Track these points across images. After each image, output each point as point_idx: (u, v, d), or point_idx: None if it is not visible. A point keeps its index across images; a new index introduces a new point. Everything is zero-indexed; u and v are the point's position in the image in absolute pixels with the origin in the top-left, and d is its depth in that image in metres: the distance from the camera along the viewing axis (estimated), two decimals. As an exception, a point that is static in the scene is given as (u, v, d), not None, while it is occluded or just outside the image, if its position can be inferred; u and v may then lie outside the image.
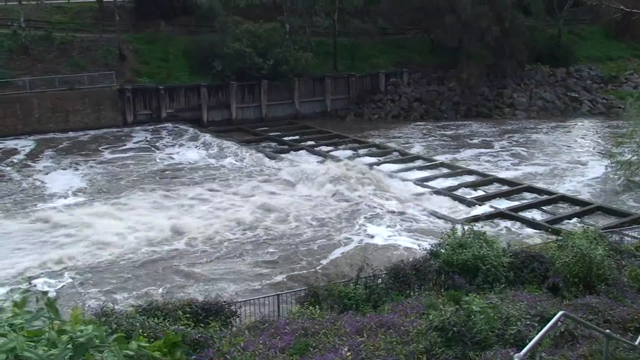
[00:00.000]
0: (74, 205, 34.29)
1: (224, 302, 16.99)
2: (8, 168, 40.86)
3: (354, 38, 60.56)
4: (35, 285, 24.50)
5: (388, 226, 31.35)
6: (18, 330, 5.30)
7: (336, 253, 28.11)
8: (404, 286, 17.30)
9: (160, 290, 24.39)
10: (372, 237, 29.96)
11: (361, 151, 46.11)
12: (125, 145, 46.97)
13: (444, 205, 34.65)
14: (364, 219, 32.32)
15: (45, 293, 5.35)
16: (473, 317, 11.80)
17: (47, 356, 4.78)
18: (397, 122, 56.40)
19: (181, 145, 47.01)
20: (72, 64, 51.84)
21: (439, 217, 32.59)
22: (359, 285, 17.15)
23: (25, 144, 46.13)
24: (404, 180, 38.51)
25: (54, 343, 5.22)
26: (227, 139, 48.31)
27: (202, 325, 14.23)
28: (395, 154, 45.54)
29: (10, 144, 45.98)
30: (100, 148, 45.87)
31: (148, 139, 48.55)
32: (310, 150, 46.27)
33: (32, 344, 5.14)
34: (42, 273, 25.83)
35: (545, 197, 36.15)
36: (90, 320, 9.49)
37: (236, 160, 43.25)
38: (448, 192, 36.77)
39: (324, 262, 27.19)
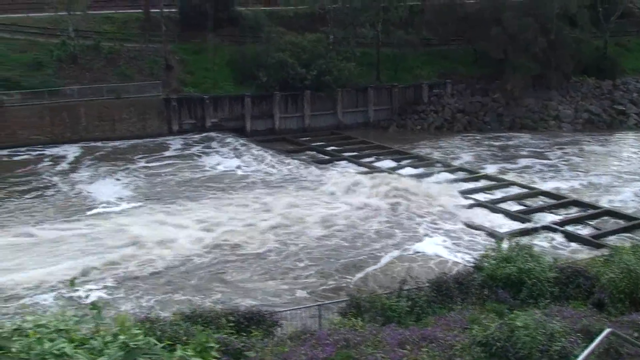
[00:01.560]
0: (121, 212, 34.82)
1: (266, 311, 17.07)
2: (55, 177, 41.54)
3: (398, 49, 60.45)
4: (79, 290, 24.92)
5: (431, 238, 31.14)
6: (65, 334, 5.41)
7: (379, 264, 28.00)
8: (446, 299, 17.15)
9: (205, 297, 24.57)
10: (415, 249, 29.78)
11: (404, 162, 45.90)
12: (170, 153, 47.58)
13: (487, 218, 34.31)
14: (407, 231, 32.15)
15: (91, 298, 5.42)
16: (517, 332, 11.65)
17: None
18: (440, 133, 56.05)
19: (224, 154, 47.42)
20: (119, 73, 52.76)
21: (482, 230, 32.26)
22: (401, 297, 17.05)
23: (72, 151, 47.00)
24: (447, 192, 38.19)
25: (101, 349, 5.31)
26: (269, 148, 48.60)
27: (245, 334, 14.29)
28: (439, 165, 45.22)
29: (58, 151, 46.92)
30: (146, 156, 46.50)
31: (193, 148, 49.07)
32: (353, 160, 46.25)
33: (80, 350, 5.24)
34: (88, 279, 26.25)
35: (591, 211, 35.54)
36: (135, 326, 9.61)
37: (279, 170, 43.41)
38: (492, 204, 36.39)
39: (367, 273, 27.09)
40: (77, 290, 24.79)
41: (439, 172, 43.21)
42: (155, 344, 5.13)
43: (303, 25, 59.80)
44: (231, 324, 14.60)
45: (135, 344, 5.00)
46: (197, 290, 25.60)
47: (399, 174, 41.44)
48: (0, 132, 47.58)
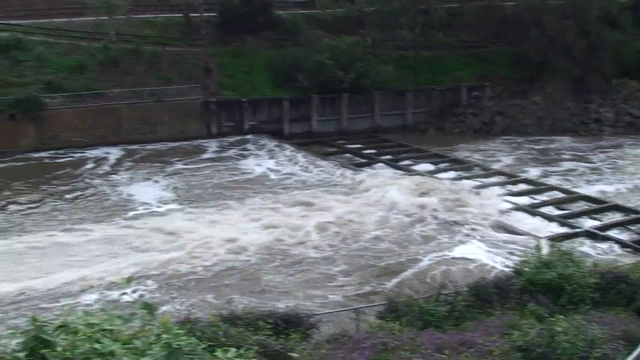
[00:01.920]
0: (163, 213, 35.26)
1: (303, 314, 17.12)
2: (97, 180, 42.18)
3: (436, 51, 60.15)
4: (122, 290, 25.28)
5: (469, 243, 30.92)
6: (110, 334, 5.51)
7: (416, 268, 27.90)
8: (485, 304, 17.03)
9: (243, 298, 24.75)
10: (454, 253, 29.60)
11: (442, 165, 45.68)
12: (209, 156, 48.04)
13: (527, 222, 33.96)
14: (445, 235, 31.99)
15: (141, 297, 5.53)
16: (557, 338, 11.54)
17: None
18: (479, 136, 55.58)
19: (262, 156, 47.70)
20: (160, 76, 53.39)
21: (521, 235, 31.93)
22: (440, 301, 16.98)
23: (114, 154, 47.72)
24: (485, 195, 37.89)
25: (144, 349, 5.41)
26: (307, 151, 48.74)
27: (283, 336, 14.37)
28: (477, 169, 44.87)
29: (100, 153, 47.71)
30: (185, 159, 46.98)
31: (231, 150, 49.47)
32: (390, 163, 46.14)
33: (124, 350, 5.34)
34: (132, 279, 26.61)
35: (633, 216, 34.95)
36: (177, 327, 9.74)
37: (315, 173, 43.50)
38: (532, 208, 36.01)
39: (404, 277, 27.01)
40: (120, 290, 25.19)
41: (477, 175, 42.89)
42: (198, 345, 5.21)
43: (341, 29, 59.82)
44: (269, 327, 14.69)
45: (178, 345, 5.09)
46: (236, 291, 25.79)
47: (436, 178, 41.24)
48: (43, 135, 48.57)
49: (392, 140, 53.46)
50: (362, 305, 19.65)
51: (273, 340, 13.15)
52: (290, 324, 16.21)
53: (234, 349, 5.37)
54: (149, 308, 5.51)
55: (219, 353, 5.29)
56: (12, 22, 55.03)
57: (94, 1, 53.66)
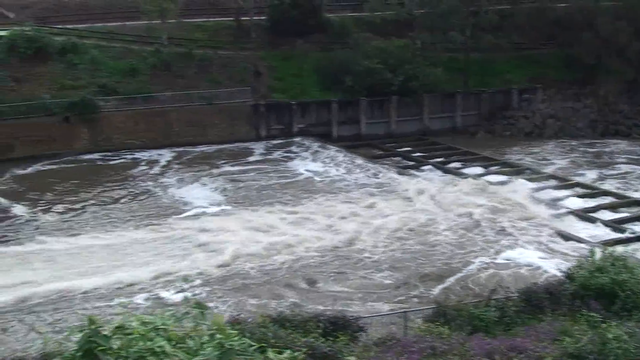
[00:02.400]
0: (213, 215, 35.65)
1: (351, 316, 17.15)
2: (149, 182, 42.86)
3: (487, 53, 59.54)
4: (174, 290, 25.69)
5: (520, 247, 30.53)
6: (164, 333, 5.61)
7: (466, 272, 27.66)
8: (536, 310, 16.81)
9: (293, 299, 24.88)
10: (504, 257, 29.26)
11: (492, 169, 45.16)
12: (258, 158, 48.42)
13: (580, 227, 33.38)
14: (495, 239, 31.63)
15: (194, 296, 5.62)
16: (609, 344, 11.33)
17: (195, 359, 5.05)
18: (530, 139, 54.78)
19: (311, 159, 47.86)
20: (210, 80, 54.04)
21: (574, 239, 31.39)
22: (489, 306, 16.82)
23: (165, 156, 48.49)
24: (537, 199, 37.34)
25: (197, 348, 5.50)
26: (355, 154, 48.72)
27: (331, 338, 14.41)
28: (529, 172, 44.17)
29: (151, 155, 48.55)
30: (235, 161, 47.44)
31: (280, 153, 49.77)
32: (439, 166, 45.84)
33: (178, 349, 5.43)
34: (185, 279, 27.02)
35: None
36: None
37: (365, 175, 43.44)
38: (585, 213, 35.37)
39: (453, 280, 26.81)
40: (174, 289, 25.64)
41: (529, 179, 42.22)
42: (251, 345, 5.27)
43: (390, 31, 59.67)
44: (319, 330, 14.75)
45: (231, 345, 5.16)
46: (285, 292, 25.94)
47: (487, 181, 40.79)
48: (96, 137, 49.64)
49: (442, 143, 53.10)
50: (410, 309, 19.57)
51: (321, 342, 13.20)
52: (338, 327, 16.26)
53: (288, 351, 5.41)
54: (201, 307, 5.59)
55: (270, 354, 5.34)
56: (68, 26, 56.38)
57: (147, 5, 54.61)
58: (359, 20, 61.91)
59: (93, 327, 5.50)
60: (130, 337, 5.54)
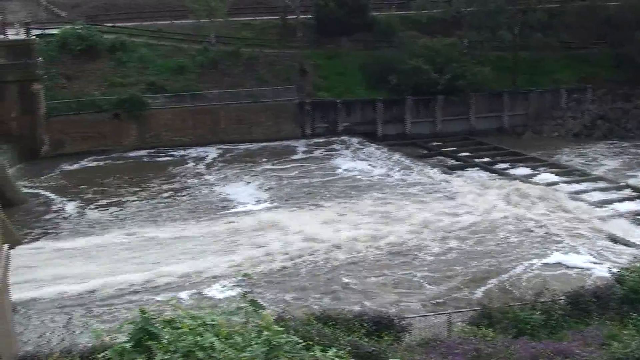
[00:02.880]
0: (260, 212, 35.90)
1: (395, 316, 17.15)
2: (196, 179, 43.34)
3: (535, 52, 58.73)
4: (220, 286, 25.98)
5: (568, 250, 30.07)
6: (212, 328, 5.71)
7: (511, 275, 27.35)
8: (583, 314, 16.58)
9: (335, 297, 24.94)
10: (552, 260, 28.85)
11: (539, 170, 44.52)
12: (303, 156, 48.62)
13: (630, 230, 32.71)
14: (542, 241, 31.21)
15: (246, 293, 5.71)
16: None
17: (242, 356, 5.12)
18: (579, 140, 53.86)
19: (356, 158, 47.84)
20: (257, 78, 54.46)
21: (624, 243, 30.79)
22: (535, 309, 16.64)
23: (212, 153, 49.06)
24: (585, 201, 36.71)
25: (244, 344, 5.58)
26: (400, 153, 48.53)
27: (375, 338, 14.44)
28: (577, 174, 43.45)
29: (199, 152, 49.18)
30: (280, 159, 47.71)
31: (325, 151, 49.88)
32: (485, 167, 45.39)
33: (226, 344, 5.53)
34: (232, 275, 27.31)
35: None
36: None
37: (408, 175, 43.23)
38: (635, 216, 34.65)
39: (499, 283, 26.55)
40: (225, 284, 25.94)
41: (577, 180, 41.56)
42: (298, 343, 5.33)
43: (436, 30, 59.25)
44: (363, 329, 14.78)
45: (278, 342, 5.23)
46: (329, 290, 26.03)
47: (534, 182, 40.24)
48: (145, 134, 50.49)
49: (488, 143, 52.55)
50: (455, 310, 19.46)
51: (365, 341, 13.24)
52: (382, 326, 16.28)
53: (334, 349, 5.46)
54: (255, 305, 5.67)
55: (317, 352, 5.39)
56: (118, 24, 57.38)
57: (195, 4, 55.24)
58: (405, 18, 61.60)
59: (144, 318, 5.62)
60: (179, 331, 5.65)
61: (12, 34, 50.11)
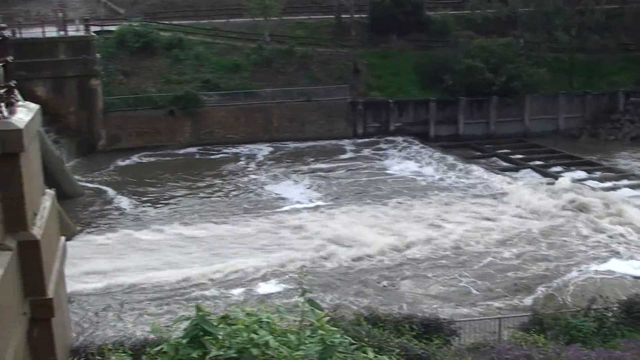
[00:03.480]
0: (309, 211, 36.04)
1: (444, 319, 17.09)
2: (248, 176, 43.66)
3: (593, 54, 57.60)
4: (275, 283, 26.22)
5: (622, 256, 29.46)
6: (267, 326, 5.81)
7: (564, 280, 26.92)
8: (637, 322, 16.27)
9: (381, 299, 24.94)
10: (605, 266, 28.29)
11: (595, 174, 43.66)
12: (354, 155, 48.67)
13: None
14: (595, 247, 30.65)
15: (304, 292, 5.79)
16: None
17: (296, 354, 5.21)
18: (637, 144, 52.56)
19: (408, 158, 47.64)
20: (310, 76, 54.72)
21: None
22: (588, 317, 16.39)
23: (263, 151, 49.52)
24: (641, 207, 35.90)
25: (298, 343, 5.67)
26: (453, 154, 48.15)
27: (424, 340, 14.42)
28: (634, 178, 42.48)
29: (252, 149, 49.73)
30: (331, 157, 47.86)
31: (376, 150, 49.83)
32: (539, 170, 44.70)
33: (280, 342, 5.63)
34: (286, 271, 27.54)
35: None
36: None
37: (462, 177, 42.85)
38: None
39: (551, 289, 26.15)
40: (279, 282, 26.16)
41: (634, 186, 40.62)
42: (352, 344, 5.40)
43: (491, 30, 58.58)
44: (412, 332, 14.77)
45: (332, 342, 5.30)
46: (379, 291, 26.04)
47: (589, 186, 39.48)
48: (199, 131, 51.25)
49: (542, 145, 51.75)
50: (506, 315, 19.28)
51: (414, 344, 13.24)
52: (431, 329, 16.24)
53: (387, 354, 5.52)
54: (313, 304, 5.76)
55: (370, 354, 5.45)
56: (175, 22, 58.29)
57: (251, 3, 55.76)
58: (460, 18, 61.12)
59: (200, 314, 5.76)
60: (234, 327, 5.77)
61: (72, 31, 51.31)
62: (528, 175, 43.53)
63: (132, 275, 27.45)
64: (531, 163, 46.65)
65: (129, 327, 22.78)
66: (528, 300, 24.49)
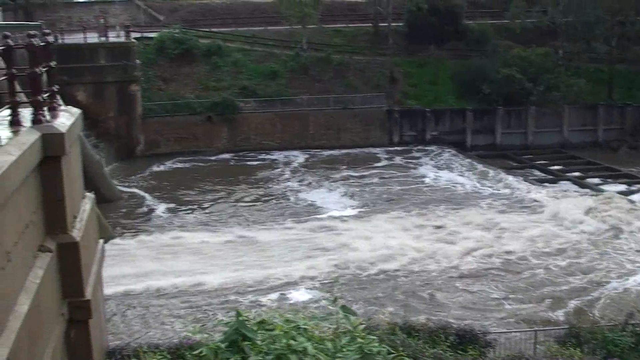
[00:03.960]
0: (347, 218, 35.97)
1: (479, 331, 16.93)
2: (283, 183, 43.77)
3: (634, 65, 56.74)
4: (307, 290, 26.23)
5: (662, 271, 28.91)
6: (304, 333, 5.84)
7: (602, 294, 26.47)
8: (677, 339, 15.96)
9: (421, 307, 24.79)
10: (644, 281, 27.83)
11: (634, 187, 42.91)
12: (390, 163, 48.54)
13: None
14: (635, 260, 30.10)
15: (338, 299, 5.81)
16: None
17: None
18: (679, 157, 51.59)
19: (444, 168, 47.36)
20: (346, 84, 54.81)
21: None
22: (626, 331, 16.11)
23: (299, 158, 49.71)
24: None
25: (335, 350, 5.69)
26: (490, 164, 47.75)
27: (459, 352, 14.31)
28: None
29: (288, 156, 50.03)
30: (367, 165, 47.79)
31: (413, 159, 49.63)
32: (577, 182, 44.08)
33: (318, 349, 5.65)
34: (310, 280, 27.57)
35: None
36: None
37: (499, 188, 42.40)
38: None
39: (588, 302, 25.74)
40: (318, 289, 26.15)
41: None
42: (389, 353, 5.39)
43: (530, 39, 58.18)
44: (447, 342, 14.67)
45: (370, 350, 5.31)
46: (414, 300, 25.88)
47: (629, 200, 38.85)
48: (236, 137, 51.65)
49: (581, 157, 51.08)
50: (542, 328, 19.03)
51: (449, 355, 13.14)
52: (465, 340, 16.10)
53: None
54: (346, 311, 5.77)
55: (405, 364, 5.44)
56: (214, 29, 58.88)
57: (289, 11, 56.07)
58: (499, 27, 60.75)
59: (240, 320, 5.81)
60: (273, 333, 5.81)
61: (112, 37, 52.14)
62: (566, 187, 42.95)
63: (168, 278, 27.66)
64: (569, 175, 46.05)
65: (164, 330, 22.99)
66: (564, 313, 24.14)
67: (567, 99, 53.49)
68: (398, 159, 49.83)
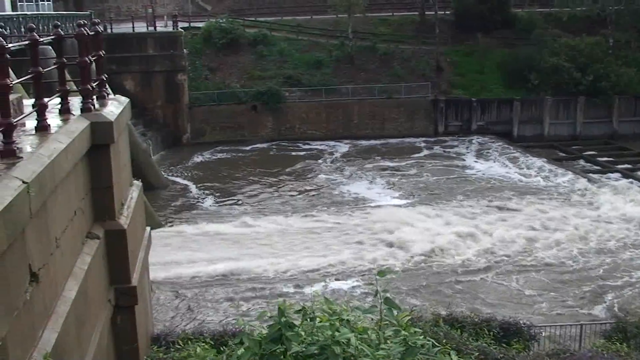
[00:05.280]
0: (392, 209, 35.85)
1: (524, 324, 16.73)
2: (327, 174, 43.68)
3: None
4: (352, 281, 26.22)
5: None
6: (347, 324, 5.82)
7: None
8: None
9: (464, 300, 24.62)
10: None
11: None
12: (435, 153, 48.18)
13: None
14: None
15: (384, 291, 5.77)
16: None
17: (378, 354, 5.20)
18: None
19: (491, 158, 46.80)
20: (392, 74, 54.46)
21: None
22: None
23: (343, 148, 49.67)
24: None
25: (378, 342, 5.66)
26: (538, 155, 46.95)
27: (503, 345, 14.16)
28: None
29: (333, 145, 50.08)
30: (413, 155, 47.45)
31: (459, 150, 49.14)
32: (627, 173, 43.11)
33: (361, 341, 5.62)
34: (356, 271, 27.53)
35: None
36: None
37: (548, 179, 41.76)
38: None
39: (636, 297, 25.25)
40: (363, 280, 26.16)
41: None
42: (434, 346, 5.34)
43: (579, 28, 57.06)
44: (490, 335, 14.52)
45: (414, 343, 5.26)
46: (458, 293, 25.71)
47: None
48: (280, 126, 51.84)
49: (631, 148, 49.93)
50: (588, 322, 18.73)
51: (493, 348, 13.02)
52: (510, 333, 15.94)
53: (475, 354, 5.45)
54: (390, 304, 5.73)
55: (454, 357, 5.38)
56: (260, 19, 59.11)
57: (335, 0, 55.99)
58: (548, 16, 59.72)
59: (282, 310, 5.82)
60: (316, 324, 5.80)
61: (160, 26, 52.76)
62: (615, 179, 42.05)
63: (214, 266, 27.89)
64: (619, 166, 45.07)
65: (208, 317, 23.25)
66: (613, 306, 23.71)
67: (616, 88, 52.33)
68: (444, 149, 49.35)
